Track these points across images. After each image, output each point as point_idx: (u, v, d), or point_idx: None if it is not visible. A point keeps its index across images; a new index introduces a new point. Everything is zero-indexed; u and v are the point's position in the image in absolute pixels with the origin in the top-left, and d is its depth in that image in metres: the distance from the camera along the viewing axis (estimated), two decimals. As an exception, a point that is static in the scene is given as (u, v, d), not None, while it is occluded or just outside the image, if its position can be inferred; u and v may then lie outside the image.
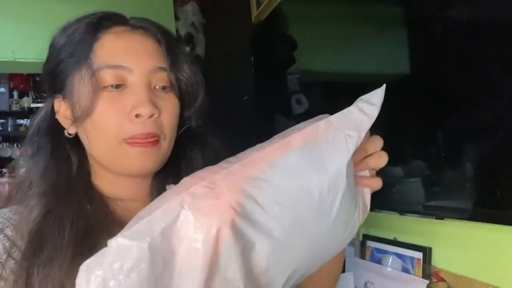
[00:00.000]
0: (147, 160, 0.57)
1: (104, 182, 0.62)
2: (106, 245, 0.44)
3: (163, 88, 0.59)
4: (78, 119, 0.57)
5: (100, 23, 0.58)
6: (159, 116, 0.57)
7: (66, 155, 0.61)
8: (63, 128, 0.61)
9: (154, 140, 0.57)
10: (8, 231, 0.55)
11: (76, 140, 0.61)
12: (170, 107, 0.59)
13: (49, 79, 0.61)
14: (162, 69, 0.58)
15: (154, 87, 0.58)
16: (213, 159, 0.65)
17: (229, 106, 1.99)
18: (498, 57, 0.71)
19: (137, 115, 0.55)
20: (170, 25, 2.38)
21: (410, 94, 0.94)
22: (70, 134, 0.60)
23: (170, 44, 0.61)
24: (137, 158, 0.56)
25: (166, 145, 0.59)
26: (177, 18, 2.47)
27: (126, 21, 0.61)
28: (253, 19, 1.81)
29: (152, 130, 0.56)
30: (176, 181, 0.62)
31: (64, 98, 0.59)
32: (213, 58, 2.36)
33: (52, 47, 0.60)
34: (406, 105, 0.94)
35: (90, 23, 0.58)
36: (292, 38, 1.47)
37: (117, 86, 0.56)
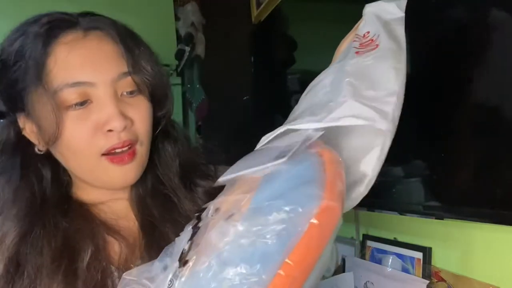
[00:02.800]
0: (129, 174, 0.56)
1: (84, 191, 0.60)
2: (90, 249, 0.45)
3: (131, 93, 0.56)
4: (48, 142, 0.53)
5: (48, 33, 0.53)
6: (132, 125, 0.55)
7: (38, 172, 0.57)
8: (31, 144, 0.57)
9: (132, 150, 0.55)
10: None
11: (47, 155, 0.58)
12: (141, 112, 0.56)
13: (5, 98, 0.56)
14: (125, 74, 0.54)
15: (121, 94, 0.55)
16: (185, 149, 0.65)
17: (229, 106, 1.99)
18: (498, 57, 0.71)
19: (110, 130, 0.53)
20: (170, 25, 2.38)
21: (410, 94, 0.93)
22: (40, 151, 0.57)
23: (129, 43, 0.56)
24: (118, 173, 0.55)
25: (144, 150, 0.57)
26: (177, 18, 2.46)
27: (75, 23, 0.55)
28: (253, 19, 1.80)
29: (127, 138, 0.54)
30: (151, 175, 0.61)
31: (27, 116, 0.55)
32: (213, 58, 2.36)
33: (2, 63, 0.55)
34: (406, 105, 0.94)
35: (37, 35, 0.53)
36: (292, 38, 1.47)
37: (82, 103, 0.52)
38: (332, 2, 1.31)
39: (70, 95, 0.52)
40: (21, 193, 0.56)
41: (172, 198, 0.62)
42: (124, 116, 0.53)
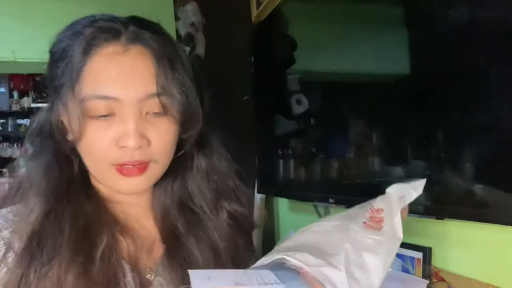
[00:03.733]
0: (136, 184, 0.57)
1: (102, 186, 0.62)
2: (106, 239, 0.44)
3: (156, 113, 0.56)
4: (73, 139, 0.56)
5: (91, 41, 0.54)
6: (149, 145, 0.55)
7: (68, 156, 0.60)
8: (66, 131, 0.59)
9: (143, 166, 0.55)
10: (6, 233, 0.55)
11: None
12: (162, 133, 0.56)
13: (49, 87, 0.59)
14: (153, 95, 0.54)
15: (146, 113, 0.55)
16: (220, 168, 0.65)
17: (229, 106, 1.99)
18: (498, 56, 0.71)
19: (124, 146, 0.54)
20: (170, 25, 2.38)
21: (410, 94, 0.93)
22: (71, 139, 0.59)
23: (165, 62, 0.55)
24: (125, 184, 0.56)
25: (158, 167, 0.58)
26: (177, 18, 2.47)
27: (119, 34, 0.55)
28: (253, 19, 1.81)
29: (139, 159, 0.55)
30: (180, 187, 0.62)
31: (64, 106, 0.57)
32: (213, 58, 2.36)
33: (51, 54, 0.58)
34: (406, 105, 0.94)
35: (82, 40, 0.54)
36: (292, 38, 1.47)
37: (105, 116, 0.54)
38: (332, 2, 1.31)
39: (97, 107, 0.53)
40: (50, 172, 0.58)
41: (197, 214, 0.63)
42: (141, 135, 0.54)
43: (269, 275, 0.44)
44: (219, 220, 0.63)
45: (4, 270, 0.53)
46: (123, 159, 0.54)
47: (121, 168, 0.55)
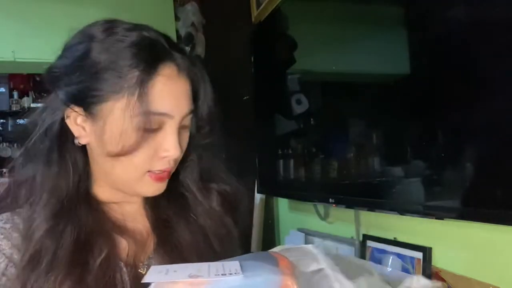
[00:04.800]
0: (161, 188, 0.61)
1: (101, 189, 0.63)
2: (103, 247, 0.44)
3: (185, 127, 0.61)
4: (111, 153, 0.56)
5: (149, 62, 0.55)
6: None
7: (72, 162, 0.60)
8: (71, 134, 0.59)
9: (169, 170, 0.60)
10: (3, 242, 0.56)
11: (83, 148, 0.61)
12: (186, 143, 0.62)
13: (71, 90, 0.57)
14: (191, 111, 0.60)
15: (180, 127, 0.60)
16: (209, 160, 0.69)
17: (229, 106, 1.99)
18: (498, 56, 0.71)
19: (165, 157, 0.58)
20: (170, 25, 2.38)
21: (410, 94, 0.94)
22: (79, 143, 0.59)
23: (200, 83, 0.63)
24: (154, 188, 0.60)
25: (173, 170, 0.62)
26: (177, 18, 2.47)
27: (171, 56, 0.58)
28: (253, 19, 1.81)
29: (174, 165, 0.61)
30: (172, 183, 0.63)
31: (88, 114, 0.57)
32: (213, 58, 2.36)
33: (86, 56, 0.56)
34: (406, 105, 0.94)
35: (138, 59, 0.55)
36: (292, 38, 1.47)
37: (156, 130, 0.57)
38: (332, 2, 1.32)
39: (152, 121, 0.56)
40: (53, 181, 0.59)
41: (186, 197, 0.67)
42: (180, 147, 0.59)
43: (234, 266, 0.44)
44: (209, 202, 0.67)
45: (8, 274, 0.54)
46: (162, 167, 0.59)
47: (155, 175, 0.59)
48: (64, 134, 0.59)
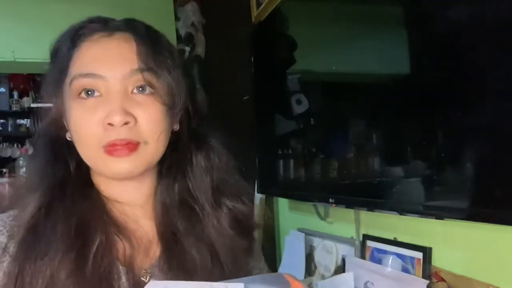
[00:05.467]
0: (126, 166, 0.56)
1: (101, 182, 0.62)
2: (99, 239, 0.44)
3: (141, 90, 0.57)
4: (73, 138, 0.58)
5: (80, 31, 0.58)
6: (136, 122, 0.56)
7: (66, 155, 0.61)
8: (65, 129, 0.61)
9: (133, 145, 0.55)
10: (3, 238, 0.56)
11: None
12: (149, 111, 0.56)
13: (48, 87, 0.61)
14: (136, 71, 0.56)
15: (132, 92, 0.56)
16: (218, 165, 0.66)
17: (229, 106, 1.99)
18: (498, 56, 0.71)
19: (110, 123, 0.54)
20: (170, 25, 2.38)
21: (410, 94, 0.94)
22: (69, 137, 0.61)
23: (149, 44, 0.57)
24: (116, 164, 0.56)
25: (150, 149, 0.57)
26: (177, 18, 2.47)
27: (105, 25, 0.59)
28: (253, 19, 1.81)
29: (127, 137, 0.55)
30: (180, 186, 0.62)
31: (61, 104, 0.60)
32: (213, 58, 2.36)
33: (50, 56, 0.62)
34: (406, 105, 0.94)
35: (72, 31, 0.59)
36: (292, 38, 1.47)
37: (89, 93, 0.56)
38: (332, 2, 1.32)
39: (80, 84, 0.56)
40: (45, 171, 0.60)
41: (198, 213, 0.63)
42: (126, 112, 0.54)
43: (238, 287, 0.42)
44: (219, 219, 0.63)
45: (6, 261, 0.54)
46: (110, 138, 0.54)
47: (110, 149, 0.55)
48: (59, 130, 0.61)
